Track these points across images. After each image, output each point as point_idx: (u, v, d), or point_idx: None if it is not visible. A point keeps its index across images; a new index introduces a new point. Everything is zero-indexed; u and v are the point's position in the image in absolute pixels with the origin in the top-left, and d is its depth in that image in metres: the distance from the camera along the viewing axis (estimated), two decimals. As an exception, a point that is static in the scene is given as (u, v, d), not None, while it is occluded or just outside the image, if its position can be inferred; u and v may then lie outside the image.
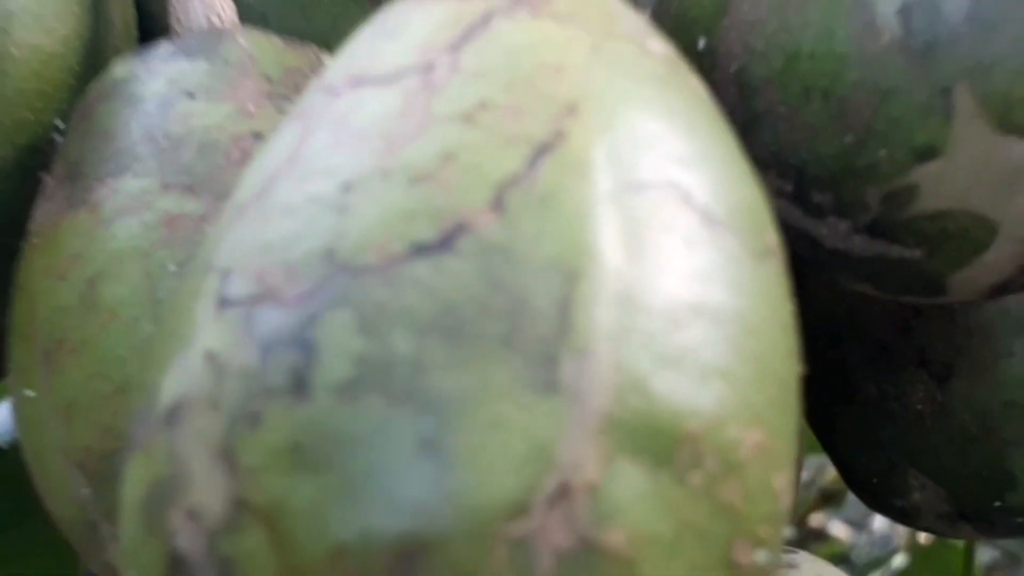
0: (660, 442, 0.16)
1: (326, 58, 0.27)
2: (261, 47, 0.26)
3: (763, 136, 0.23)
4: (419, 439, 0.15)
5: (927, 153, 0.21)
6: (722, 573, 0.16)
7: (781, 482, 0.17)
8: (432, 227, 0.16)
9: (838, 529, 0.98)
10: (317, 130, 0.18)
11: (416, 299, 0.16)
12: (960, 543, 0.63)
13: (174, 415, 0.17)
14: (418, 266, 0.16)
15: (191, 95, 0.25)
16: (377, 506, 0.15)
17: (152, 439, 0.17)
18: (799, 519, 0.73)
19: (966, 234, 0.22)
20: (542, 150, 0.17)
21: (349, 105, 0.18)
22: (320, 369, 0.16)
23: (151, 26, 0.30)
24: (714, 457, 0.16)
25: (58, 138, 0.27)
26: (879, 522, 0.96)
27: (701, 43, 0.23)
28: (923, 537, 0.79)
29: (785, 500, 0.17)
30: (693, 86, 0.19)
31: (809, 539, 0.94)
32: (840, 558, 0.92)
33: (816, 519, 0.96)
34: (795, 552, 0.25)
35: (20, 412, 0.25)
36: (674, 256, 0.17)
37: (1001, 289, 0.23)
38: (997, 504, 0.31)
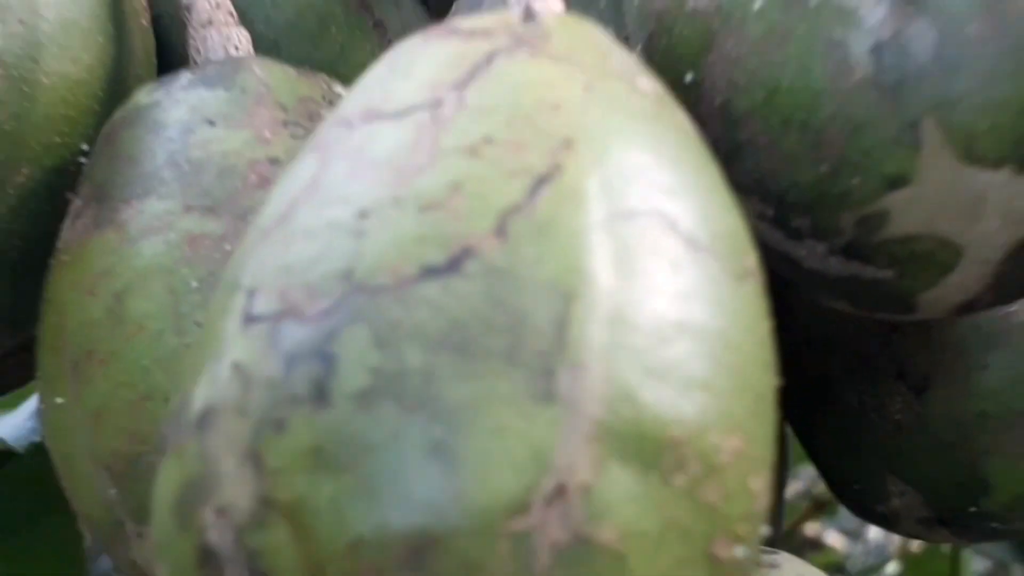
0: (647, 447, 0.17)
1: (336, 86, 0.29)
2: (275, 77, 0.27)
3: (746, 164, 0.24)
4: (429, 443, 0.17)
5: (897, 181, 0.23)
6: (703, 567, 0.18)
7: (758, 484, 0.18)
8: (441, 251, 0.18)
9: (833, 539, 0.99)
10: (335, 161, 0.20)
11: (426, 316, 0.18)
12: (956, 553, 0.65)
13: (205, 421, 0.18)
14: (428, 286, 0.18)
15: (211, 122, 0.26)
16: (391, 503, 0.17)
17: (184, 442, 0.19)
18: (792, 527, 0.74)
19: (933, 256, 0.23)
20: (541, 181, 0.19)
21: (364, 138, 0.20)
22: (339, 379, 0.17)
23: (169, 55, 0.32)
24: (696, 461, 0.18)
25: (84, 161, 0.29)
26: (874, 532, 0.97)
27: (688, 77, 0.25)
28: (915, 545, 0.80)
29: (762, 501, 0.19)
30: (680, 121, 0.21)
31: (805, 548, 0.95)
32: (835, 567, 0.93)
33: (811, 528, 0.97)
34: (777, 553, 0.27)
35: (49, 418, 0.26)
36: (661, 278, 0.18)
37: (967, 307, 0.24)
38: (972, 509, 0.32)
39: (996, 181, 0.22)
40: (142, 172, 0.26)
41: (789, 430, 0.36)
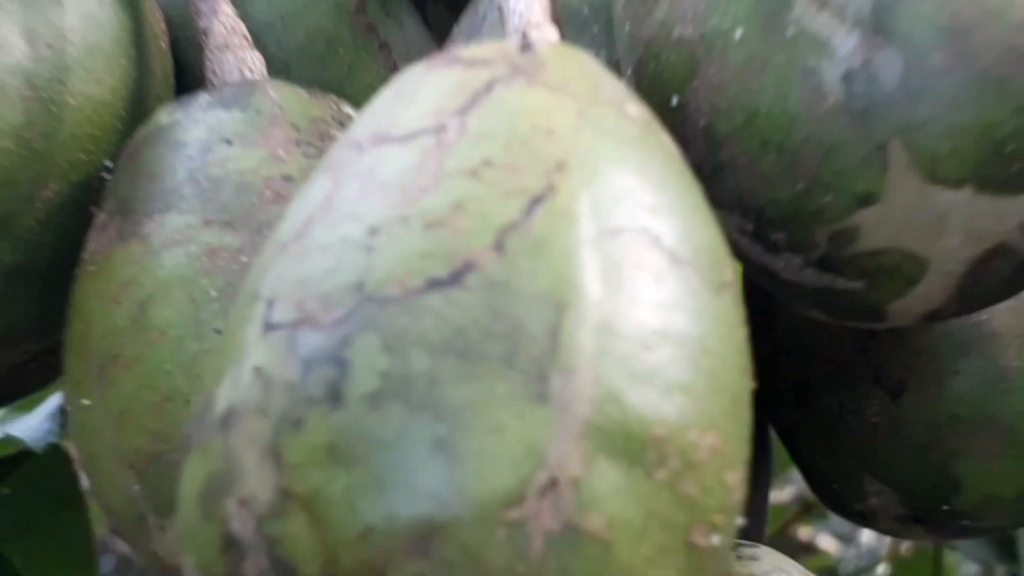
0: (632, 444, 0.19)
1: (344, 106, 0.30)
2: (288, 98, 0.29)
3: (727, 182, 0.26)
4: (434, 440, 0.18)
5: (866, 200, 0.24)
6: (683, 554, 0.19)
7: (733, 479, 0.20)
8: (444, 265, 0.20)
9: (826, 542, 1.00)
10: (347, 181, 0.21)
11: (431, 325, 0.19)
12: (939, 554, 0.66)
13: (228, 420, 0.20)
14: (433, 297, 0.19)
15: (228, 142, 0.28)
16: (399, 495, 0.18)
17: (209, 440, 0.20)
18: (782, 529, 0.75)
19: (901, 269, 0.25)
20: (536, 201, 0.20)
21: (373, 160, 0.21)
22: (352, 382, 0.19)
23: (186, 76, 0.34)
24: (677, 457, 0.19)
25: (107, 176, 0.30)
26: (866, 535, 0.98)
27: (674, 100, 0.26)
28: (904, 548, 0.82)
29: (737, 494, 0.20)
30: (665, 144, 0.23)
31: (798, 552, 0.96)
32: (828, 571, 0.94)
33: (804, 532, 0.98)
34: (756, 546, 0.28)
35: (76, 419, 0.28)
36: (645, 290, 0.20)
37: (933, 316, 0.26)
38: (945, 508, 0.33)
39: (958, 200, 0.24)
40: (164, 188, 0.28)
41: (775, 437, 0.38)
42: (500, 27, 0.26)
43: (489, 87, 0.22)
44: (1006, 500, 0.33)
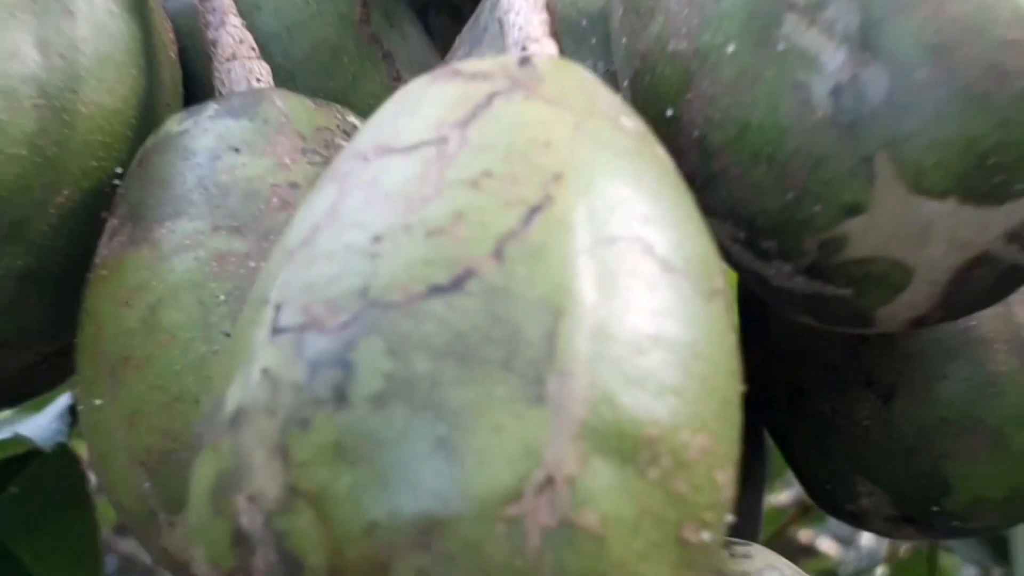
0: (625, 444, 0.20)
1: (349, 115, 0.31)
2: (294, 108, 0.30)
3: (720, 192, 0.26)
4: (435, 440, 0.19)
5: (853, 209, 0.25)
6: (674, 549, 0.20)
7: (723, 477, 0.21)
8: (446, 272, 0.20)
9: (827, 545, 1.01)
10: (352, 191, 0.22)
11: (433, 329, 0.20)
12: (934, 555, 0.67)
13: (237, 419, 0.21)
14: (434, 303, 0.20)
15: (236, 150, 0.29)
16: (402, 492, 0.19)
17: (219, 439, 0.21)
18: (780, 530, 0.76)
19: (887, 277, 0.25)
20: (534, 211, 0.21)
21: (377, 171, 0.22)
22: (356, 384, 0.20)
23: (194, 84, 0.34)
24: (668, 457, 0.20)
25: (118, 183, 0.31)
26: (866, 538, 0.99)
27: (668, 112, 0.27)
28: (902, 550, 0.82)
29: (727, 492, 0.21)
30: (659, 155, 0.23)
31: (799, 554, 0.96)
32: (829, 573, 0.94)
33: (805, 535, 0.98)
34: (750, 545, 0.29)
35: (88, 419, 0.29)
36: (638, 297, 0.21)
37: (919, 322, 0.27)
38: (935, 509, 0.34)
39: (942, 211, 0.25)
40: (173, 195, 0.28)
41: (770, 440, 0.38)
42: (501, 39, 0.27)
43: (489, 100, 0.23)
44: (994, 501, 0.34)
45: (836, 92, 0.25)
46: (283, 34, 0.35)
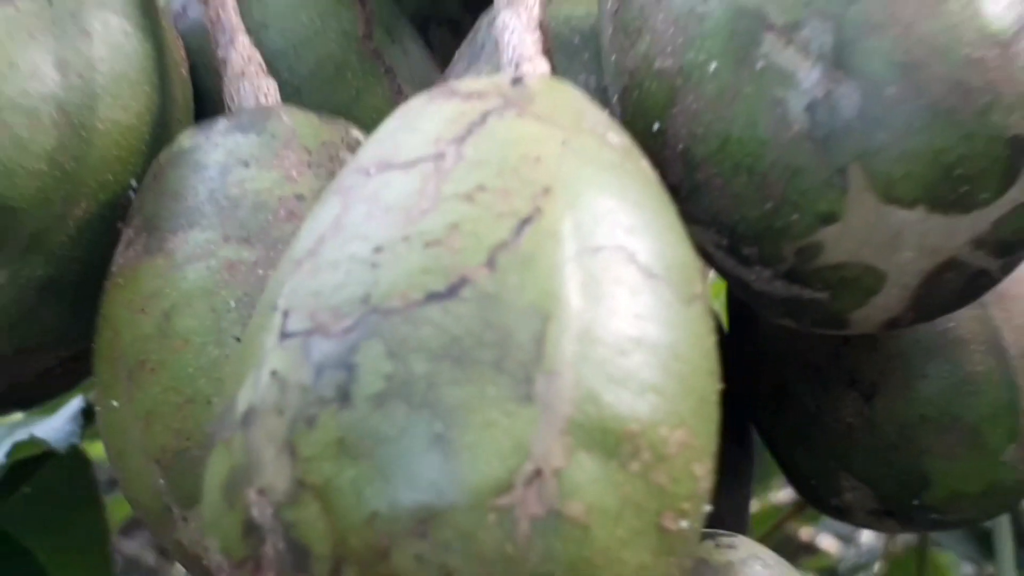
0: (609, 439, 0.21)
1: (353, 129, 0.32)
2: (301, 123, 0.31)
3: (703, 202, 0.28)
4: (432, 436, 0.21)
5: (828, 218, 0.26)
6: (654, 536, 0.21)
7: (701, 470, 0.22)
8: (442, 280, 0.22)
9: (827, 543, 1.02)
10: (355, 204, 0.24)
11: (430, 333, 0.21)
12: (923, 550, 0.69)
13: (248, 418, 0.22)
14: (431, 309, 0.21)
15: (245, 164, 0.30)
16: (401, 484, 0.21)
17: (231, 437, 0.23)
18: (777, 526, 0.77)
19: (861, 281, 0.27)
20: (525, 222, 0.22)
21: (379, 185, 0.24)
22: (359, 384, 0.21)
23: (203, 98, 0.36)
24: (648, 450, 0.21)
25: (133, 196, 0.32)
26: (866, 535, 1.00)
27: (655, 126, 0.28)
28: (899, 547, 0.83)
29: (704, 484, 0.22)
30: (643, 169, 0.25)
31: (800, 552, 0.97)
32: (829, 571, 0.95)
33: (806, 533, 0.99)
34: (734, 535, 0.30)
35: (105, 419, 0.30)
36: (621, 302, 0.22)
37: (893, 324, 0.28)
38: (915, 502, 0.35)
39: (911, 219, 0.26)
40: (186, 207, 0.30)
41: (760, 444, 0.39)
42: (497, 55, 0.28)
43: (483, 118, 0.24)
44: (972, 496, 0.35)
45: (811, 108, 0.26)
46: (289, 51, 0.37)
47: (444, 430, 0.21)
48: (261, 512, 0.22)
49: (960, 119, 0.25)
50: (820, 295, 0.27)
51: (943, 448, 0.34)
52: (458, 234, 0.22)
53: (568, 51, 0.33)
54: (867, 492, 0.36)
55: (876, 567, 0.89)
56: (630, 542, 0.21)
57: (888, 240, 0.26)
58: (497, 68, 0.28)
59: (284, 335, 0.22)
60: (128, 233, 0.31)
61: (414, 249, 0.22)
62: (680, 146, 0.28)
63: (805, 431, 0.36)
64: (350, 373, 0.21)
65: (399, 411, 0.21)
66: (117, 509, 0.69)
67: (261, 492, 0.22)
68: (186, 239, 0.29)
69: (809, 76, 0.26)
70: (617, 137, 0.25)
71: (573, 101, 0.25)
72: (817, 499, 0.37)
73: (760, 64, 0.26)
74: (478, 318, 0.21)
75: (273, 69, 0.34)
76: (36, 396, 0.37)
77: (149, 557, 0.95)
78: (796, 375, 0.36)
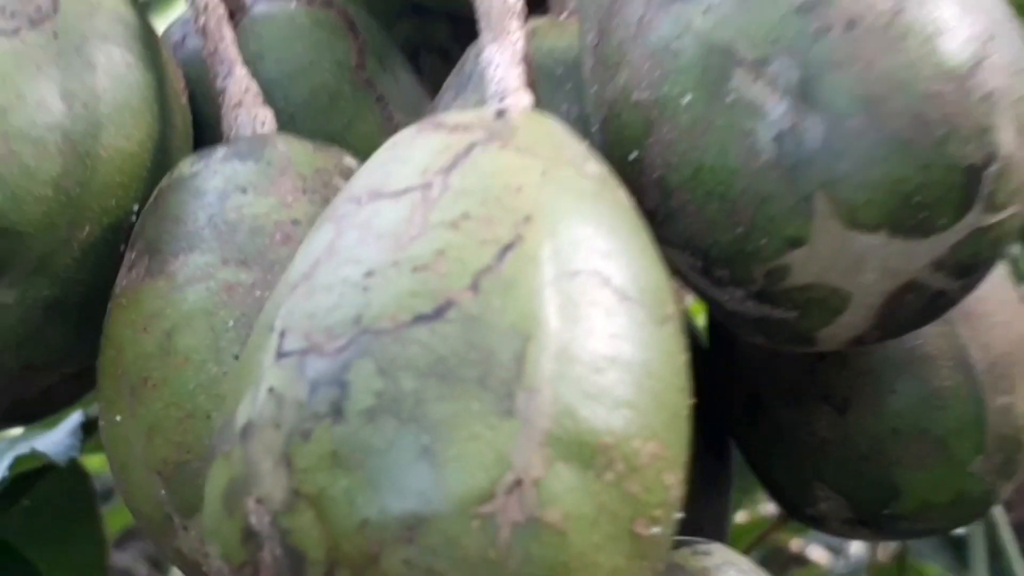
0: (585, 451, 0.22)
1: (346, 156, 0.34)
2: (296, 151, 0.32)
3: (678, 226, 0.29)
4: (419, 448, 0.22)
5: (795, 242, 0.27)
6: (627, 541, 0.23)
7: (672, 479, 0.24)
8: (429, 303, 0.23)
9: (817, 554, 1.03)
10: (347, 231, 0.25)
11: (418, 352, 0.23)
12: (906, 561, 0.70)
13: (247, 432, 0.24)
14: (419, 330, 0.23)
15: (243, 190, 0.31)
16: (391, 493, 0.22)
17: (231, 449, 0.24)
18: (762, 537, 0.78)
19: (827, 302, 0.28)
20: (507, 248, 0.24)
21: (370, 213, 0.25)
22: (351, 400, 0.23)
23: (201, 124, 0.37)
24: (622, 461, 0.23)
25: (135, 220, 0.33)
26: (855, 546, 1.01)
27: (633, 155, 0.29)
28: (883, 556, 0.85)
29: (675, 492, 0.24)
30: (619, 197, 0.26)
31: (790, 563, 0.98)
32: (817, 581, 0.96)
33: (796, 544, 1.00)
34: (709, 543, 0.32)
35: (109, 433, 0.31)
36: (597, 323, 0.23)
37: (858, 341, 0.29)
38: (887, 512, 0.36)
39: (874, 243, 0.27)
40: (186, 231, 0.31)
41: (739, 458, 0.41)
42: (483, 86, 0.30)
43: (469, 150, 0.26)
44: (940, 505, 0.36)
45: (779, 139, 0.27)
46: (285, 81, 0.38)
47: (431, 443, 0.22)
48: (259, 520, 0.23)
49: (918, 150, 0.27)
50: (789, 315, 0.29)
51: (913, 460, 0.35)
52: (444, 259, 0.24)
53: (552, 81, 0.34)
54: (841, 502, 0.37)
55: (863, 576, 0.90)
56: (605, 547, 0.22)
57: (852, 263, 0.28)
58: (483, 98, 0.29)
59: (281, 354, 0.24)
60: (131, 256, 0.32)
61: (403, 273, 0.24)
62: (656, 174, 0.29)
63: (781, 444, 0.37)
64: (343, 390, 0.23)
65: (389, 425, 0.22)
66: (111, 521, 0.70)
67: (259, 501, 0.23)
68: (186, 262, 0.31)
69: (776, 109, 0.27)
70: (595, 167, 0.26)
71: (554, 133, 0.27)
72: (794, 509, 0.39)
73: (731, 97, 0.28)
74: (463, 338, 0.23)
75: (269, 98, 0.35)
76: (38, 412, 0.38)
77: (142, 569, 0.96)
78: (772, 390, 0.37)
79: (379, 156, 0.27)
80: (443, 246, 0.24)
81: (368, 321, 0.23)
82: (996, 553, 0.51)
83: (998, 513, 0.51)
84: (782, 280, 0.28)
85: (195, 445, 0.29)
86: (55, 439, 0.49)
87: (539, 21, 0.36)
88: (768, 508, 0.92)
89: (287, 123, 0.36)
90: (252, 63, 0.36)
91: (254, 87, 0.34)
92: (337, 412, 0.23)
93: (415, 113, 0.39)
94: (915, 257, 0.28)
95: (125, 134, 0.33)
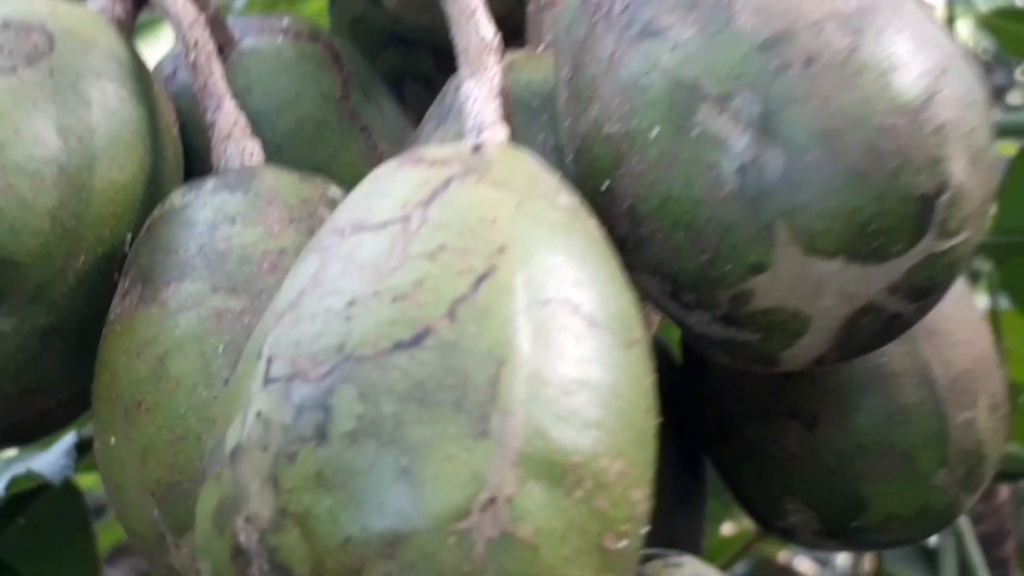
0: (555, 470, 0.24)
1: (331, 186, 0.35)
2: (283, 182, 0.34)
3: (647, 253, 0.30)
4: (399, 469, 0.23)
5: (758, 268, 0.29)
6: (596, 555, 0.24)
7: (638, 495, 0.25)
8: (408, 330, 0.24)
9: (805, 566, 1.04)
10: (331, 262, 0.26)
11: (397, 378, 0.24)
12: (888, 571, 0.71)
13: (236, 454, 0.25)
14: (399, 356, 0.24)
15: (232, 220, 0.32)
16: (372, 512, 0.23)
17: (220, 471, 0.25)
18: (744, 549, 0.79)
19: (788, 324, 0.29)
20: (482, 278, 0.25)
21: (352, 245, 0.26)
22: (334, 424, 0.24)
23: (191, 154, 0.38)
24: (590, 479, 0.24)
25: (128, 249, 0.35)
26: (841, 558, 1.03)
27: (604, 185, 0.30)
28: (867, 567, 0.86)
29: (642, 508, 0.25)
30: (589, 227, 0.28)
31: (778, 575, 0.99)
32: (805, 594, 0.97)
33: (783, 556, 1.01)
34: (681, 555, 0.33)
35: (104, 455, 0.33)
36: (567, 348, 0.25)
37: (819, 362, 0.31)
38: (854, 524, 0.37)
39: (832, 269, 0.28)
40: (178, 260, 0.32)
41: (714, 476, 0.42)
42: (461, 119, 0.31)
43: (447, 184, 0.27)
44: (905, 518, 0.37)
45: (742, 170, 0.28)
46: (272, 112, 0.39)
47: (409, 464, 0.23)
48: (248, 538, 0.24)
49: (873, 181, 0.28)
50: (752, 337, 0.30)
51: (878, 474, 0.37)
52: (422, 289, 0.25)
53: (529, 113, 0.36)
54: (811, 515, 0.38)
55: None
56: (574, 560, 0.24)
57: (811, 288, 0.29)
58: (462, 131, 0.30)
59: (268, 380, 0.25)
60: (124, 284, 0.33)
61: (383, 303, 0.25)
62: (626, 203, 0.30)
63: (752, 459, 0.38)
64: (326, 414, 0.24)
65: (370, 447, 0.23)
66: (102, 537, 0.71)
67: (248, 520, 0.24)
68: (178, 290, 0.32)
69: (739, 142, 0.28)
70: (567, 199, 0.28)
71: (528, 167, 0.28)
72: (766, 522, 0.40)
73: (696, 131, 0.29)
74: (440, 364, 0.24)
75: (257, 129, 0.36)
76: (35, 433, 0.39)
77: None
78: (743, 408, 0.38)
79: (362, 188, 0.28)
80: (421, 276, 0.25)
81: (350, 348, 0.24)
82: (965, 565, 0.52)
83: (965, 526, 0.53)
84: (746, 304, 0.30)
85: (187, 467, 0.30)
86: (50, 459, 0.50)
87: (517, 54, 0.37)
88: (750, 523, 0.94)
89: (274, 153, 0.38)
90: (240, 96, 0.37)
91: (242, 120, 0.35)
92: (321, 435, 0.24)
93: (398, 142, 0.40)
94: (872, 282, 0.29)
95: (119, 166, 0.34)
